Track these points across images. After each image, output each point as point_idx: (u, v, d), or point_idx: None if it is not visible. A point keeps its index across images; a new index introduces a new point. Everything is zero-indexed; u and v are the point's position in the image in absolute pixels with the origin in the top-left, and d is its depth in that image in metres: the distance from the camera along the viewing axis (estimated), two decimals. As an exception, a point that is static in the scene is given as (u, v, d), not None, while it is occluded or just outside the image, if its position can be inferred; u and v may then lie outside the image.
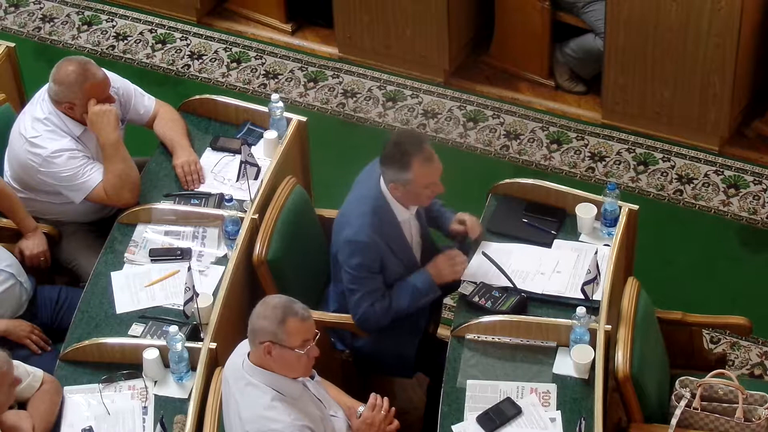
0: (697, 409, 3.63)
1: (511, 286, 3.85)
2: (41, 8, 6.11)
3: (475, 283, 3.87)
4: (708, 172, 5.21)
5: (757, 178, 5.18)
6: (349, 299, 3.82)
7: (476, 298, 3.82)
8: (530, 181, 4.17)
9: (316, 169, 4.62)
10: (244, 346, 3.37)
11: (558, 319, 3.75)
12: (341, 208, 3.89)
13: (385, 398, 3.44)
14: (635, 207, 4.07)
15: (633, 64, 5.20)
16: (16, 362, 3.52)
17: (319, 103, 5.59)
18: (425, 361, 3.97)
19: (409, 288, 3.82)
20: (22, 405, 3.55)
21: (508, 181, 4.18)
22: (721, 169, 5.21)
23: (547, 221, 4.05)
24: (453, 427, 3.55)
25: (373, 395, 3.44)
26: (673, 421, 3.61)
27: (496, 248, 3.97)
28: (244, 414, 3.28)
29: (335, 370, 3.99)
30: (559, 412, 3.58)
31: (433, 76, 5.62)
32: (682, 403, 3.63)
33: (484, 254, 3.91)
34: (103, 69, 4.15)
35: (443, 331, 4.21)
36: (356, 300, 3.79)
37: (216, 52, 5.86)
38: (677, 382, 3.70)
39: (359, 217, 3.75)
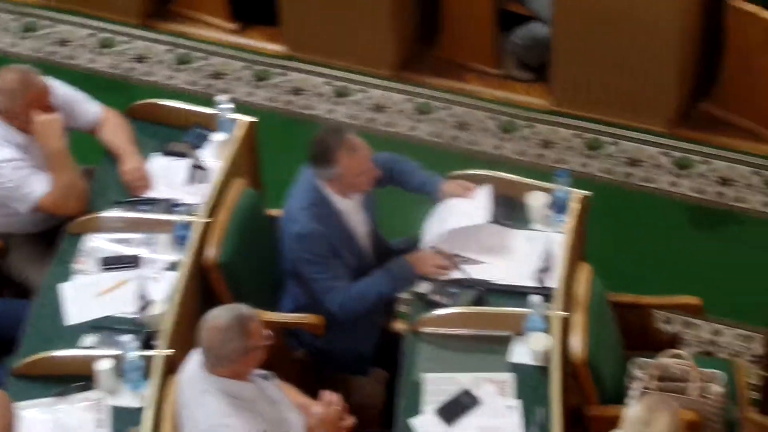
0: (652, 390, 3.66)
1: (467, 278, 3.85)
2: (-21, 16, 6.03)
3: (430, 280, 3.87)
4: (657, 154, 5.25)
5: (704, 158, 5.22)
6: (319, 291, 3.83)
7: (434, 296, 3.83)
8: (481, 171, 4.17)
9: (268, 168, 4.60)
10: (197, 354, 3.36)
11: (513, 309, 3.77)
12: (284, 208, 3.90)
13: (338, 394, 3.45)
14: (586, 193, 4.09)
15: (580, 50, 5.22)
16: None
17: (268, 102, 5.57)
18: (383, 356, 3.97)
19: (386, 274, 3.85)
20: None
21: (459, 172, 4.18)
22: (670, 151, 5.25)
23: (500, 211, 4.06)
24: (411, 421, 3.55)
25: (325, 392, 3.45)
26: (629, 401, 3.64)
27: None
28: (201, 424, 3.28)
29: (291, 370, 3.98)
30: (518, 400, 3.60)
31: (381, 70, 5.61)
32: (638, 384, 3.66)
33: (436, 248, 3.91)
34: (45, 76, 4.11)
35: (399, 326, 4.21)
36: (327, 287, 3.81)
37: (161, 54, 5.81)
38: (632, 363, 3.73)
39: (301, 210, 3.81)
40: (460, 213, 3.95)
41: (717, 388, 3.66)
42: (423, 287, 3.86)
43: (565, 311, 3.73)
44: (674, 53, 5.09)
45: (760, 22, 4.98)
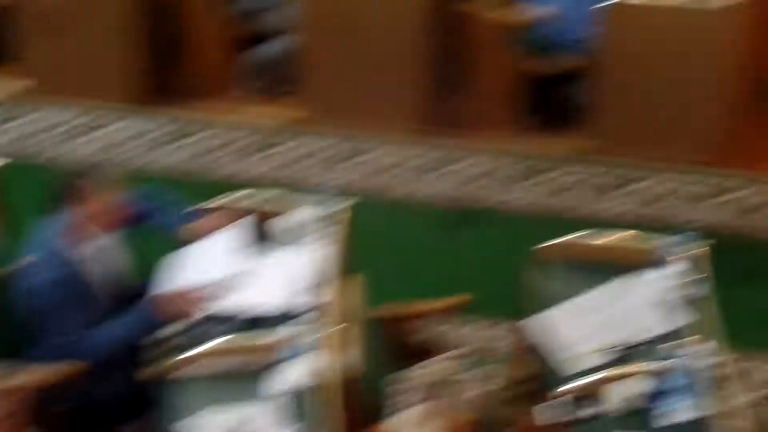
0: (423, 398, 3.67)
1: (221, 313, 3.75)
2: None
3: (182, 319, 3.75)
4: (409, 158, 5.33)
5: (454, 158, 5.33)
6: (68, 341, 3.68)
7: (188, 336, 3.69)
8: (236, 198, 4.09)
9: (17, 220, 4.38)
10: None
11: (277, 334, 3.69)
12: (23, 260, 3.74)
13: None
14: (348, 204, 4.08)
15: (325, 61, 5.26)
16: None
17: (6, 147, 5.31)
18: (144, 403, 3.83)
19: (135, 316, 3.73)
20: None
21: (213, 202, 4.08)
22: (420, 153, 5.34)
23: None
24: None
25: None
26: (397, 415, 3.63)
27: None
28: None
29: (57, 428, 3.78)
30: (292, 426, 3.52)
31: (127, 102, 5.47)
32: (407, 395, 3.66)
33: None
34: None
35: (156, 371, 4.06)
36: (75, 337, 3.67)
37: None
38: (397, 376, 3.73)
39: (40, 261, 3.68)
40: (204, 264, 3.87)
41: (487, 387, 3.72)
42: (176, 327, 3.73)
43: (332, 328, 3.69)
44: (417, 59, 5.18)
45: (485, 22, 5.15)
